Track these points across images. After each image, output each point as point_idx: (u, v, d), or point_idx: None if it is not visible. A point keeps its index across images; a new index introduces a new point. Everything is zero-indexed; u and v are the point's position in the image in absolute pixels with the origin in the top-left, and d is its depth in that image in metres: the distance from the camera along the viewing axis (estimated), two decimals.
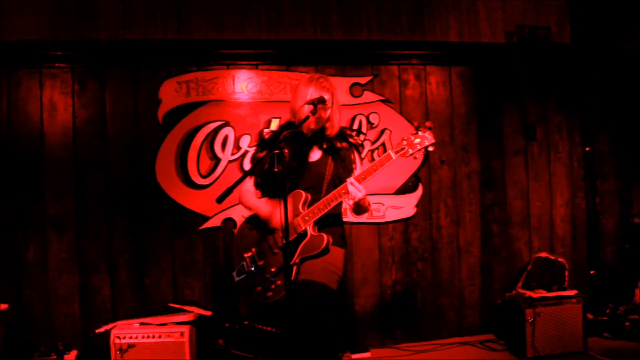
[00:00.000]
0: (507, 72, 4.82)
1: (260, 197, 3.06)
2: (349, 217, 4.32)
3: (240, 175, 4.13)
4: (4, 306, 3.46)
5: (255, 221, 3.02)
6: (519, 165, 4.84)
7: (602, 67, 4.96)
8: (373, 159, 4.44)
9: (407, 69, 4.67)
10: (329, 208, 2.79)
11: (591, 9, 4.73)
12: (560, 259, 4.47)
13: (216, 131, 4.32)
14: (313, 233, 2.82)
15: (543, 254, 4.56)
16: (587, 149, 4.93)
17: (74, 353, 3.84)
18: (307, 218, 2.81)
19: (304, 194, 2.85)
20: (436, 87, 4.71)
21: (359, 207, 2.88)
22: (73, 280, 4.16)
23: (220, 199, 2.68)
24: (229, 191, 2.62)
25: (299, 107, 2.88)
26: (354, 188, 2.72)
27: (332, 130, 2.95)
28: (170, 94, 4.29)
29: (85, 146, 4.22)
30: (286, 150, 2.90)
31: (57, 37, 4.17)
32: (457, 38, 4.73)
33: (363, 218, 4.44)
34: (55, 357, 3.77)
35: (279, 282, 2.85)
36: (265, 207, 2.97)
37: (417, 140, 2.74)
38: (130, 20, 4.27)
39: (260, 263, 2.92)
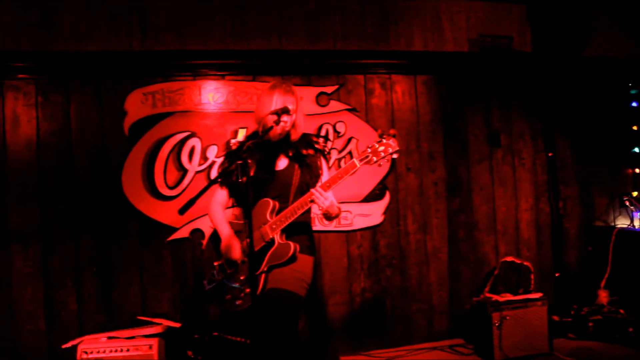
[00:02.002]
0: (471, 80, 4.93)
1: (229, 207, 3.07)
2: (317, 225, 4.35)
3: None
4: None
5: None
6: (484, 171, 4.93)
7: (562, 75, 5.11)
8: (340, 167, 4.46)
9: (373, 78, 4.72)
10: (296, 216, 2.80)
11: (550, 19, 4.86)
12: (526, 263, 4.54)
13: (183, 142, 4.30)
14: (280, 241, 2.83)
15: (509, 258, 4.64)
16: (549, 154, 5.05)
17: None
18: (274, 226, 2.82)
19: (271, 202, 2.86)
20: (402, 95, 4.78)
21: (328, 215, 2.90)
22: (38, 295, 4.08)
23: (182, 210, 2.69)
24: (191, 202, 2.62)
25: (263, 116, 2.90)
26: (320, 197, 2.74)
27: (295, 135, 2.98)
28: (136, 105, 4.26)
29: (50, 158, 4.15)
30: (250, 160, 2.90)
31: (19, 49, 4.11)
32: (422, 47, 4.81)
33: (331, 226, 4.47)
34: None
35: (247, 290, 2.84)
36: (225, 229, 2.97)
37: (381, 148, 2.76)
38: (93, 31, 4.22)
39: (230, 271, 2.93)
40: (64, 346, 3.74)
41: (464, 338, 4.63)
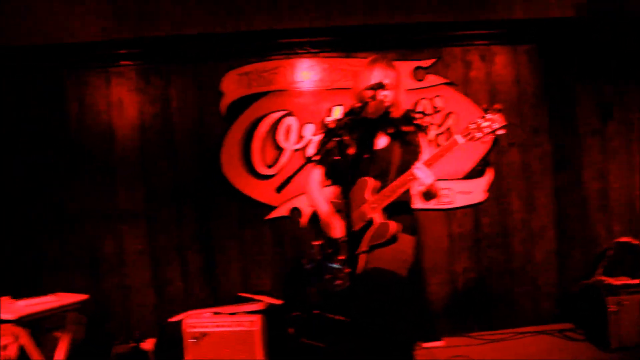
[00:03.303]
0: (578, 48, 4.59)
1: (328, 186, 3.03)
2: (417, 203, 4.23)
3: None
4: (85, 296, 3.60)
5: None
6: (594, 145, 4.60)
7: None
8: (439, 144, 4.32)
9: (471, 50, 4.52)
10: (396, 195, 2.71)
11: None
12: None
13: (279, 121, 4.33)
14: (381, 220, 2.76)
15: (625, 239, 4.31)
16: None
17: (150, 341, 3.98)
18: (374, 205, 2.75)
19: (371, 181, 2.78)
20: (502, 67, 4.53)
21: (429, 193, 2.78)
22: (147, 272, 4.30)
23: (279, 188, 2.67)
24: (287, 180, 2.59)
25: (360, 92, 2.82)
26: (422, 173, 2.64)
27: (396, 113, 2.87)
28: (232, 86, 4.33)
29: (153, 141, 4.33)
30: (348, 138, 2.82)
31: (121, 36, 4.28)
32: (522, 14, 4.52)
33: (431, 204, 4.32)
34: (133, 345, 3.91)
35: (347, 270, 2.80)
36: (324, 207, 2.92)
37: (486, 124, 2.61)
38: (189, 15, 4.33)
39: (329, 251, 2.89)
40: (170, 320, 3.90)
41: (574, 323, 4.36)
